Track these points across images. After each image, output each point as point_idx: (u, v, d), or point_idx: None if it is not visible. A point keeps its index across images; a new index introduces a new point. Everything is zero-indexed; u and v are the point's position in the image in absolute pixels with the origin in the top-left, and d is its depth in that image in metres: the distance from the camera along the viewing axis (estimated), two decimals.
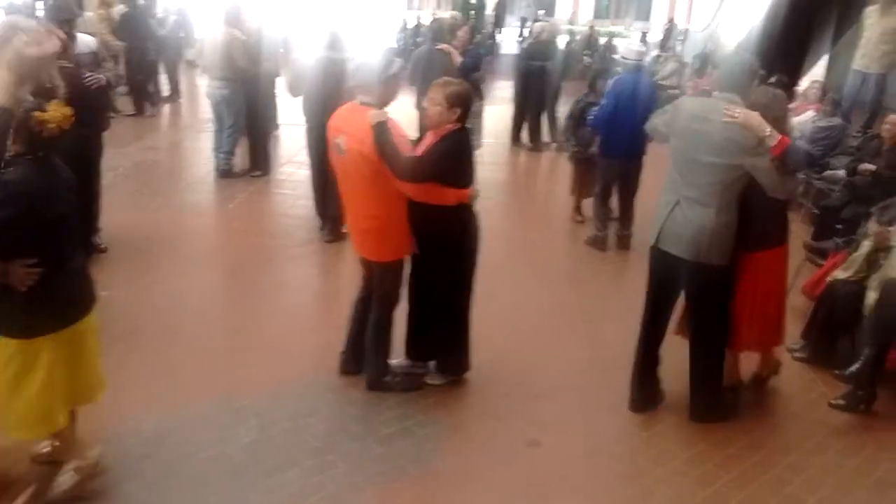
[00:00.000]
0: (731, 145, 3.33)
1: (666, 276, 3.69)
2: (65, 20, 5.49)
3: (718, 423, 3.77)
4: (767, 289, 3.78)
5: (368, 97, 3.55)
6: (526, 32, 22.93)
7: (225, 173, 7.48)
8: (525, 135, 9.77)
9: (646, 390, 3.87)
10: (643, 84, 5.99)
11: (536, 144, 9.68)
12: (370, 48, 4.88)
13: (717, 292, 3.63)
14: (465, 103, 3.57)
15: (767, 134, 3.25)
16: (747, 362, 4.10)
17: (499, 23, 23.93)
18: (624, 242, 6.29)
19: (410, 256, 3.72)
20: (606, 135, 6.07)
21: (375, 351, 3.82)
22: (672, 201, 3.55)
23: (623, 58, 6.46)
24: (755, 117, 3.29)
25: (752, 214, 3.52)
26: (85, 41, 5.87)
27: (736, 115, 3.29)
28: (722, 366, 3.83)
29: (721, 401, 3.83)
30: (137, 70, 9.95)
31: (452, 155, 3.54)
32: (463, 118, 3.58)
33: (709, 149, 3.38)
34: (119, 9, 9.92)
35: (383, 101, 3.57)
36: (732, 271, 3.61)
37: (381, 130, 3.36)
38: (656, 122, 3.77)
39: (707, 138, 3.39)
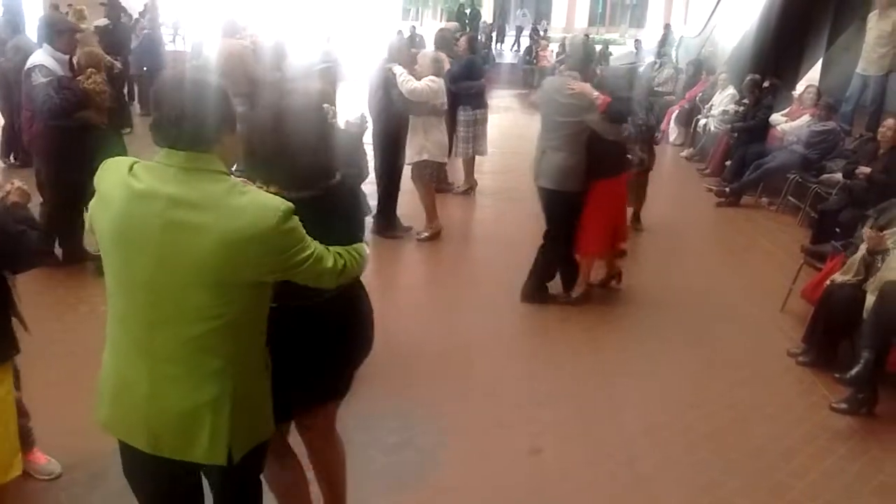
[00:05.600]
0: (574, 108, 4.69)
1: (543, 204, 5.02)
2: None
3: (539, 305, 5.13)
4: (610, 208, 5.08)
5: None
6: (523, 42, 23.11)
7: None
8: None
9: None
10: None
11: None
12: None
13: (567, 211, 4.93)
14: None
15: (595, 97, 4.60)
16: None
17: (500, 32, 24.01)
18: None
19: None
20: None
21: None
22: (542, 149, 4.88)
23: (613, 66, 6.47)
24: (587, 87, 4.68)
25: (598, 154, 4.79)
26: None
27: (574, 87, 4.68)
28: (556, 267, 5.18)
29: (544, 290, 5.22)
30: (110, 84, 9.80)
31: None
32: None
33: (561, 111, 4.74)
34: (97, 21, 9.89)
35: None
36: (581, 197, 4.90)
37: None
38: (533, 98, 5.10)
39: (561, 105, 4.75)
